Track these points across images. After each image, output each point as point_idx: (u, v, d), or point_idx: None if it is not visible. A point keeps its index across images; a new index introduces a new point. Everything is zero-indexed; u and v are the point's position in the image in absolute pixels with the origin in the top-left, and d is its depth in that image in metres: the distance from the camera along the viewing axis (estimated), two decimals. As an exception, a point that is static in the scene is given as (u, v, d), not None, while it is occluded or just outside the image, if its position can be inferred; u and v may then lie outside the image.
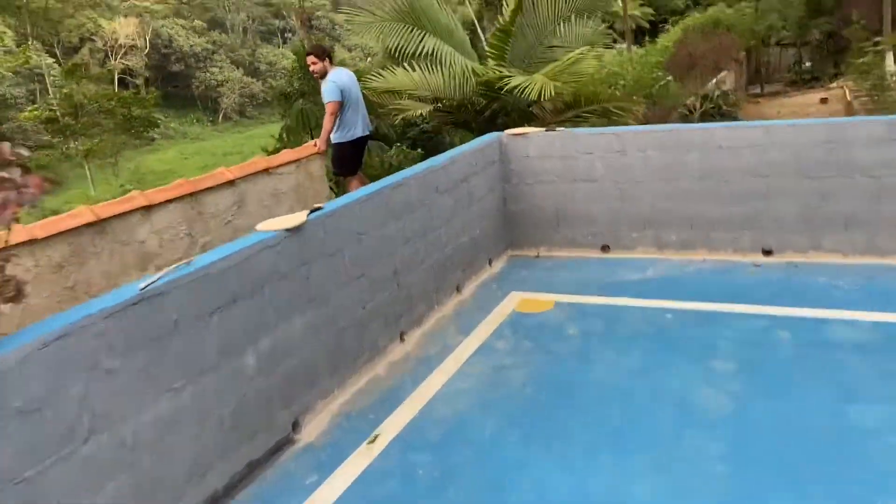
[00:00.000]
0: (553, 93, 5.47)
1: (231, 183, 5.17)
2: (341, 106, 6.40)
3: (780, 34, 42.54)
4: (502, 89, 6.10)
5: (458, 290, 4.87)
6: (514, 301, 4.74)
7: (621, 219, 5.36)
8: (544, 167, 5.48)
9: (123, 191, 28.35)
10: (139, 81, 65.59)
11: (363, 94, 6.84)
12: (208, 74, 63.93)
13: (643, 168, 5.22)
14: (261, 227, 3.34)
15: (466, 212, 5.01)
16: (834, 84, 35.23)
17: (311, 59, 6.50)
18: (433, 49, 6.44)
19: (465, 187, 5.01)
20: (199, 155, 54.69)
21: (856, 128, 4.73)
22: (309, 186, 6.06)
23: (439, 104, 6.53)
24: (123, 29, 60.79)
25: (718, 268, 5.02)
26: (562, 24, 7.21)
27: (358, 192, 3.99)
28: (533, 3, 7.03)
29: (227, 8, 69.84)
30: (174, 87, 67.18)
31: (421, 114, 6.31)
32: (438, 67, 6.95)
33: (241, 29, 71.47)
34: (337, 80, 6.39)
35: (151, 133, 60.95)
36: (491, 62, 6.74)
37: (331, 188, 9.23)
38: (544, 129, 5.46)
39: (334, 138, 6.60)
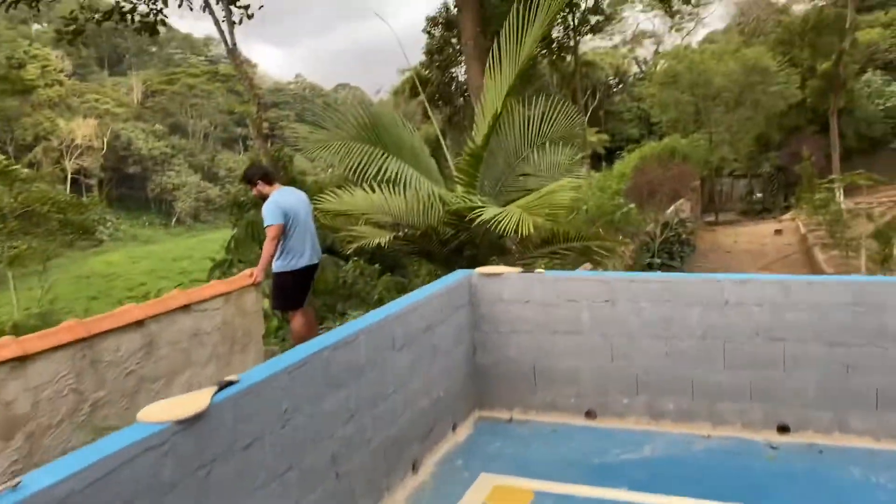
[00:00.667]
0: (532, 228, 4.74)
1: (139, 323, 4.20)
2: (284, 230, 5.58)
3: (732, 165, 44.00)
4: (473, 220, 5.36)
5: (414, 468, 3.90)
6: (484, 489, 3.77)
7: (610, 380, 4.51)
8: (521, 314, 4.66)
9: (48, 300, 26.66)
10: (93, 182, 64.61)
11: (315, 216, 6.03)
12: (165, 178, 63.39)
13: (636, 322, 4.42)
14: (142, 416, 2.38)
15: (428, 369, 4.12)
16: (786, 216, 36.07)
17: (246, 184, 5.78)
18: (396, 172, 5.72)
19: (427, 339, 4.13)
20: (147, 259, 53.20)
21: (888, 290, 4.03)
22: (240, 325, 5.12)
23: (400, 232, 5.73)
24: (81, 130, 60.30)
25: (727, 447, 4.16)
26: (535, 150, 6.63)
27: (284, 358, 3.07)
28: (505, 128, 6.44)
29: (189, 114, 70.20)
30: (129, 188, 66.30)
31: (379, 243, 5.49)
32: (401, 190, 6.23)
33: (202, 135, 71.67)
34: (280, 201, 5.59)
35: (99, 235, 59.45)
36: (459, 189, 6.05)
37: (279, 317, 8.25)
38: (521, 269, 4.68)
39: (276, 267, 5.74)
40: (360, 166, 5.88)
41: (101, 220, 61.43)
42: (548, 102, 6.78)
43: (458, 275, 4.76)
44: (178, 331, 4.53)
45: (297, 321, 5.78)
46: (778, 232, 30.99)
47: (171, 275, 49.20)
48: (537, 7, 5.91)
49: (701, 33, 48.95)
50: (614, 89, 51.45)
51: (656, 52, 53.62)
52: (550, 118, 6.69)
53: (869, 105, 37.55)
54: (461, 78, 28.27)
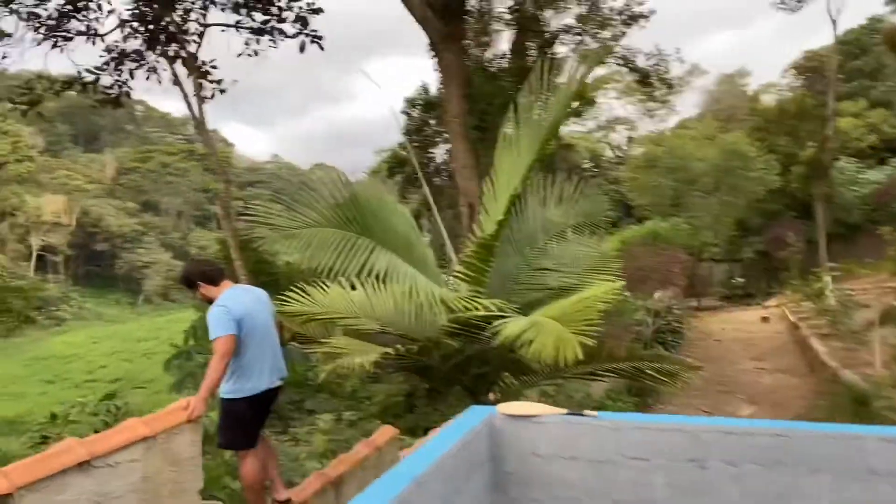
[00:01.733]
0: (580, 353, 3.44)
1: (5, 498, 2.77)
2: (237, 343, 4.23)
3: (712, 250, 43.68)
4: (482, 329, 4.05)
5: None
6: None
7: (695, 578, 3.13)
8: (564, 477, 3.30)
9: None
10: (59, 259, 62.71)
11: (278, 322, 4.67)
12: (134, 255, 61.73)
13: (735, 494, 3.08)
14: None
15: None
16: (770, 302, 35.30)
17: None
18: (387, 269, 4.41)
19: (435, 528, 2.75)
20: (110, 339, 50.89)
21: None
22: (168, 478, 3.68)
23: (391, 347, 4.35)
24: (49, 206, 58.81)
25: None
26: (554, 240, 5.41)
27: None
28: (517, 214, 5.23)
29: (163, 192, 69.09)
30: (97, 265, 64.38)
31: (362, 365, 4.10)
32: (388, 287, 4.94)
33: (175, 213, 70.41)
34: (230, 305, 4.26)
35: (61, 314, 57.12)
36: (464, 287, 4.77)
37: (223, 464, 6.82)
38: (566, 411, 3.34)
39: (224, 391, 4.35)
40: (337, 265, 4.57)
41: (65, 297, 59.37)
42: (563, 183, 5.61)
43: (474, 415, 3.41)
44: (69, 501, 3.09)
45: (249, 466, 4.35)
46: (765, 319, 30.08)
47: (134, 357, 46.84)
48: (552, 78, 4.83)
49: (673, 120, 49.42)
50: (588, 173, 51.49)
51: (629, 139, 54.07)
52: (571, 200, 5.51)
53: (846, 192, 37.54)
54: (439, 159, 27.68)
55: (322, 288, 5.24)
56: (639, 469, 3.21)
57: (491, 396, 5.04)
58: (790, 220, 38.94)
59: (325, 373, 4.38)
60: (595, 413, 3.36)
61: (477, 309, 4.23)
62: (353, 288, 5.11)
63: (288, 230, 4.47)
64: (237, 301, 4.31)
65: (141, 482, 3.53)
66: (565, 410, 3.41)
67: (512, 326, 3.68)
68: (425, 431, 12.14)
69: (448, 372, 4.79)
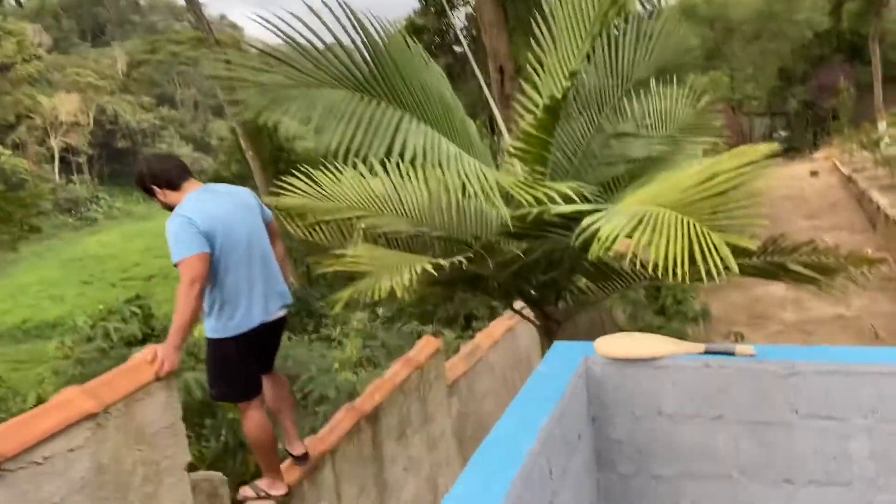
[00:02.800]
0: (731, 263, 2.23)
1: None
2: (212, 266, 3.11)
3: (752, 105, 41.58)
4: (556, 226, 2.85)
5: None
6: None
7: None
8: (705, 446, 2.18)
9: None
10: (82, 160, 62.19)
11: (271, 227, 3.51)
12: (156, 151, 60.87)
13: None
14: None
15: None
16: (818, 155, 33.52)
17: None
18: (426, 146, 3.08)
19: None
20: (142, 237, 50.90)
21: None
22: (134, 464, 2.65)
23: (426, 260, 3.10)
24: (64, 105, 57.54)
25: None
26: (633, 94, 4.05)
27: None
28: (589, 60, 3.85)
29: (176, 83, 67.17)
30: (120, 164, 63.77)
31: (396, 287, 2.87)
32: (422, 173, 3.71)
33: (191, 103, 68.77)
34: (192, 215, 3.08)
35: (93, 214, 57.20)
36: (519, 168, 3.52)
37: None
38: (702, 347, 2.18)
39: (207, 330, 3.26)
40: (358, 133, 3.24)
41: (94, 198, 59.18)
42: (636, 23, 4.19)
43: (562, 358, 2.27)
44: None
45: (252, 420, 3.31)
46: (814, 173, 28.48)
47: (165, 253, 46.62)
48: None
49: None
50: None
51: (665, -13, 50.29)
52: (648, 41, 4.12)
53: (899, 30, 34.65)
54: (459, 24, 25.62)
55: (332, 173, 4.01)
56: (825, 431, 2.07)
57: (560, 306, 3.93)
58: (839, 65, 36.38)
59: (340, 301, 3.22)
60: (751, 349, 2.19)
61: (551, 200, 2.98)
62: (374, 172, 3.87)
63: (278, 89, 3.16)
64: (205, 208, 3.13)
65: (92, 475, 2.50)
66: (702, 346, 2.24)
67: (611, 225, 2.46)
68: (467, 323, 11.23)
69: (505, 282, 3.65)
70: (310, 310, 11.73)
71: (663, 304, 9.57)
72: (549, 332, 3.98)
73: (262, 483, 3.48)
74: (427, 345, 5.14)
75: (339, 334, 9.93)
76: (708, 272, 2.29)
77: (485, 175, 2.96)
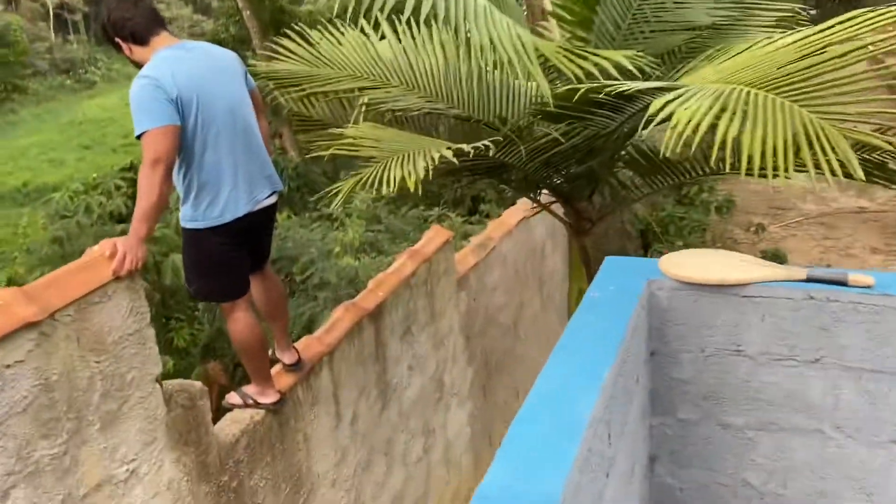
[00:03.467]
0: (851, 163, 1.69)
1: None
2: (184, 142, 2.57)
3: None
4: (602, 106, 2.28)
5: None
6: None
7: None
8: (795, 393, 1.74)
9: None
10: (78, 18, 59.81)
11: (254, 99, 2.94)
12: (153, 10, 58.38)
13: None
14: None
15: None
16: None
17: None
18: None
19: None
20: (141, 101, 49.50)
21: None
22: (92, 377, 2.23)
23: (444, 146, 2.53)
24: (56, -43, 54.57)
25: None
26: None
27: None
28: None
29: (172, -65, 63.37)
30: (117, 24, 61.34)
31: (407, 179, 2.32)
32: (437, 34, 3.08)
33: (190, -40, 65.31)
34: (158, 76, 2.52)
35: (91, 76, 55.57)
36: (556, 33, 2.90)
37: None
38: (804, 272, 1.69)
39: (182, 219, 2.76)
40: None
41: (92, 59, 57.22)
42: None
43: (618, 279, 1.78)
44: None
45: (238, 322, 2.87)
46: None
47: (167, 119, 45.53)
48: None
49: None
50: None
51: None
52: None
53: None
54: None
55: (329, 33, 3.37)
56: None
57: (596, 202, 3.39)
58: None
59: (341, 193, 2.68)
60: (869, 279, 1.69)
61: (603, 73, 2.37)
62: (377, 32, 3.23)
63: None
64: (177, 70, 2.55)
65: (37, 394, 2.07)
66: (803, 272, 1.74)
67: (689, 108, 1.88)
68: (474, 205, 10.71)
69: (532, 172, 3.10)
70: (311, 186, 11.21)
71: (687, 192, 9.04)
72: (581, 231, 3.49)
73: (250, 389, 3.09)
74: (436, 236, 4.67)
75: (340, 213, 9.47)
76: (819, 169, 1.76)
77: (520, 38, 2.35)
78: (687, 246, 8.39)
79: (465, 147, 2.46)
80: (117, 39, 2.66)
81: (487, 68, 3.14)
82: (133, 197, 10.77)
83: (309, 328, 5.65)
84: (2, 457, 1.99)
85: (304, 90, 3.19)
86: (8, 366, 2.00)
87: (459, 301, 4.99)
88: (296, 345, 3.40)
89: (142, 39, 2.66)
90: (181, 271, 5.16)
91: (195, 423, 2.69)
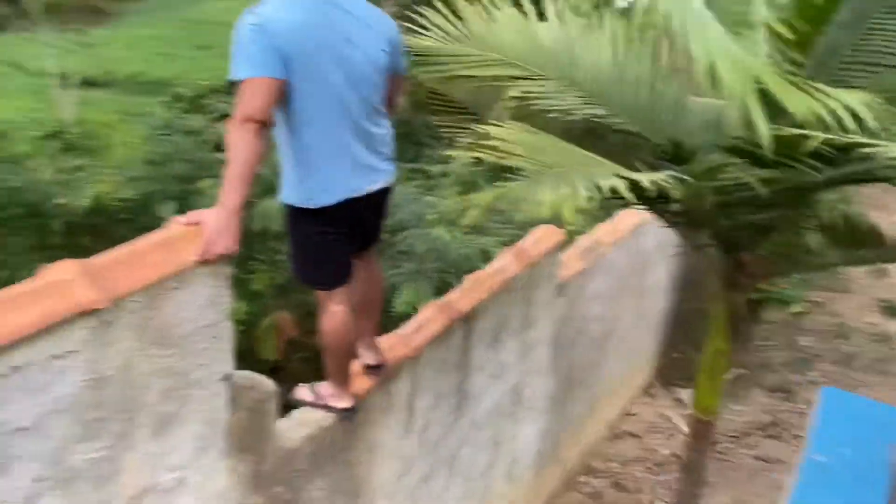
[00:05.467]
0: None
1: None
2: (286, 100, 2.14)
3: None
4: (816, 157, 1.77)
5: None
6: None
7: None
8: None
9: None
10: (213, -84, 60.60)
11: (397, 80, 2.53)
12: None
13: None
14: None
15: None
16: None
17: None
18: None
19: None
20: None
21: None
22: (150, 374, 1.90)
23: (610, 173, 2.05)
24: None
25: None
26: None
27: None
28: None
29: None
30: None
31: (565, 209, 1.87)
32: (608, 20, 2.56)
33: None
34: (272, 21, 2.10)
35: (215, -23, 56.38)
36: (760, 50, 2.34)
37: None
38: None
39: (285, 195, 2.39)
40: None
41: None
42: None
43: (846, 435, 1.30)
44: None
45: (331, 317, 2.51)
46: None
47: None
48: None
49: None
50: None
51: None
52: None
53: None
54: None
55: (485, 9, 2.89)
56: None
57: (764, 255, 2.84)
58: None
59: (478, 207, 2.24)
60: None
61: (833, 116, 1.84)
62: (547, 17, 2.74)
63: None
64: (298, 15, 2.15)
65: (85, 390, 1.75)
66: None
67: None
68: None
69: (702, 211, 2.56)
70: (412, 137, 10.80)
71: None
72: (736, 285, 2.98)
73: (323, 388, 2.75)
74: (546, 236, 4.21)
75: (438, 172, 9.03)
76: None
77: (742, 61, 1.83)
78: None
79: (641, 179, 1.97)
80: None
81: (656, 77, 2.62)
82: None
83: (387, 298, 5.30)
84: (34, 460, 1.69)
85: (446, 71, 2.75)
86: (56, 356, 1.68)
87: (556, 308, 4.55)
88: (383, 340, 3.05)
89: None
90: (272, 218, 4.88)
91: (258, 427, 2.36)
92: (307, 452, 2.64)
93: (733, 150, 2.29)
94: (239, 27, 2.11)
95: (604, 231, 5.28)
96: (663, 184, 2.01)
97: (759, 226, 2.68)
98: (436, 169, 9.27)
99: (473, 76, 2.79)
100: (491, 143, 2.24)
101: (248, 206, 4.73)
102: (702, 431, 3.38)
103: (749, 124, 1.98)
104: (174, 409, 2.02)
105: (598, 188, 1.93)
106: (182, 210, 4.86)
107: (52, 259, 4.82)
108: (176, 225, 2.02)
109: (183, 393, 2.04)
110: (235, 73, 2.08)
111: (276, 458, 2.47)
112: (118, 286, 1.77)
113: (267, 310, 5.72)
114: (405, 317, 5.11)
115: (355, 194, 2.38)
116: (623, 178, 1.98)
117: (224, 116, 9.93)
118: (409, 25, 3.06)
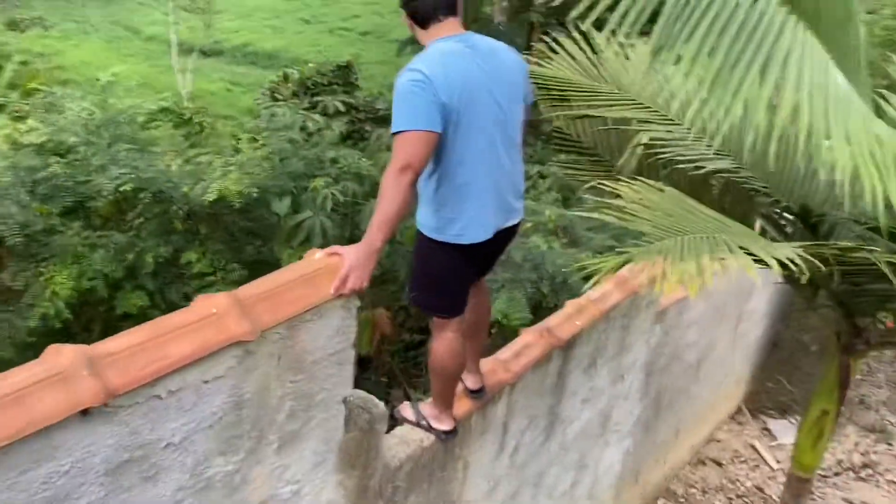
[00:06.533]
0: None
1: None
2: (440, 149, 2.25)
3: None
4: None
5: None
6: None
7: None
8: None
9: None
10: None
11: (527, 110, 2.59)
12: None
13: None
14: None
15: None
16: None
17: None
18: (801, 66, 1.94)
19: None
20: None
21: None
22: (282, 397, 2.04)
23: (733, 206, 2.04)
24: None
25: None
26: None
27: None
28: None
29: None
30: None
31: (688, 286, 1.90)
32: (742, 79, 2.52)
33: None
34: (432, 75, 2.19)
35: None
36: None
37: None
38: None
39: (419, 221, 2.48)
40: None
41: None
42: None
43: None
44: (57, 473, 1.55)
45: (445, 343, 2.60)
46: None
47: (387, 10, 46.23)
48: None
49: None
50: None
51: None
52: None
53: None
54: None
55: (619, 45, 2.87)
56: None
57: (880, 323, 2.77)
58: None
59: (599, 272, 2.28)
60: None
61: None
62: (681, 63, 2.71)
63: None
64: (454, 68, 2.23)
65: (227, 411, 1.91)
66: None
67: None
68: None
69: (821, 277, 2.52)
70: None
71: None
72: (850, 348, 2.90)
73: (426, 409, 2.86)
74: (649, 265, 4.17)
75: (535, 174, 9.03)
76: None
77: (880, 142, 1.80)
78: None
79: (791, 258, 1.93)
80: (402, 9, 2.37)
81: (789, 141, 2.56)
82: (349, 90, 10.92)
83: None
84: (178, 472, 1.85)
85: (572, 106, 2.77)
86: (206, 381, 1.83)
87: (652, 335, 4.52)
88: (484, 363, 3.13)
89: (422, 22, 2.34)
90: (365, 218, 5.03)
91: (367, 446, 2.48)
92: (407, 470, 2.75)
93: (868, 229, 2.24)
94: (401, 81, 2.20)
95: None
96: (794, 263, 1.99)
97: (881, 294, 2.61)
98: (533, 169, 9.26)
99: (600, 117, 2.79)
100: (618, 204, 2.26)
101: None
102: (799, 489, 3.32)
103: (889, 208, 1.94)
104: (297, 428, 2.17)
105: (736, 267, 1.93)
106: (295, 207, 5.06)
107: (173, 243, 5.05)
108: (315, 258, 2.15)
109: (307, 413, 2.18)
110: (398, 125, 2.18)
111: (379, 474, 2.60)
112: (264, 319, 1.91)
113: (363, 305, 5.91)
114: (496, 325, 5.18)
115: (502, 224, 2.47)
116: (770, 254, 1.96)
117: (337, 113, 10.20)
118: (540, 51, 3.09)
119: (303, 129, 5.65)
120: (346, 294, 2.11)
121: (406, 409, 2.90)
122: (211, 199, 4.32)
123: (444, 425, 2.83)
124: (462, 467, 3.10)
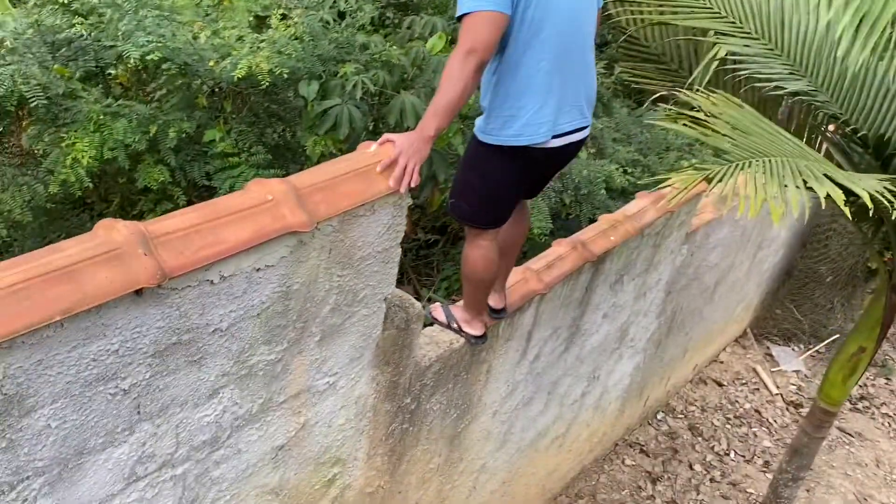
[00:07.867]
0: None
1: None
2: (506, 37, 2.10)
3: None
4: None
5: None
6: None
7: None
8: None
9: None
10: None
11: (599, 12, 2.42)
12: None
13: None
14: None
15: None
16: None
17: None
18: None
19: None
20: None
21: None
22: (328, 292, 1.99)
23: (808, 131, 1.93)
24: None
25: None
26: None
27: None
28: None
29: None
30: None
31: (772, 211, 1.80)
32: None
33: None
34: None
35: None
36: None
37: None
38: None
39: (476, 126, 2.35)
40: None
41: None
42: None
43: None
44: (103, 352, 1.50)
45: (480, 253, 2.52)
46: None
47: None
48: None
49: None
50: None
51: None
52: None
53: None
54: None
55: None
56: None
57: None
58: None
59: (680, 192, 2.16)
60: None
61: None
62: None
63: None
64: None
65: (274, 301, 1.85)
66: None
67: None
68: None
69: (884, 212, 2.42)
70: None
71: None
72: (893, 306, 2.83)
73: (457, 312, 2.82)
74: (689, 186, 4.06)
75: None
76: None
77: None
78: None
79: (864, 192, 1.82)
80: None
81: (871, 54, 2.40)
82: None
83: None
84: (223, 358, 1.81)
85: (643, 11, 2.57)
86: (258, 269, 1.76)
87: (679, 255, 4.47)
88: (516, 271, 3.07)
89: None
90: (408, 112, 4.86)
91: (402, 344, 2.46)
92: (435, 370, 2.74)
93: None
94: None
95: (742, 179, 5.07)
96: (882, 198, 1.89)
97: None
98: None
99: (672, 24, 2.61)
100: (695, 113, 2.13)
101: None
102: (821, 421, 3.35)
103: None
104: (339, 322, 2.12)
105: (814, 195, 1.82)
106: (322, 93, 4.87)
107: (196, 119, 4.88)
108: (372, 153, 2.03)
109: (350, 309, 2.13)
110: (465, 6, 2.02)
111: (410, 371, 2.59)
112: (320, 210, 1.82)
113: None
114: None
115: (569, 134, 2.33)
116: (837, 183, 1.86)
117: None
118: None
119: (333, 6, 5.36)
120: (402, 190, 2.01)
121: (437, 311, 2.87)
122: (240, 76, 4.13)
123: (475, 330, 2.80)
124: (486, 370, 3.11)
